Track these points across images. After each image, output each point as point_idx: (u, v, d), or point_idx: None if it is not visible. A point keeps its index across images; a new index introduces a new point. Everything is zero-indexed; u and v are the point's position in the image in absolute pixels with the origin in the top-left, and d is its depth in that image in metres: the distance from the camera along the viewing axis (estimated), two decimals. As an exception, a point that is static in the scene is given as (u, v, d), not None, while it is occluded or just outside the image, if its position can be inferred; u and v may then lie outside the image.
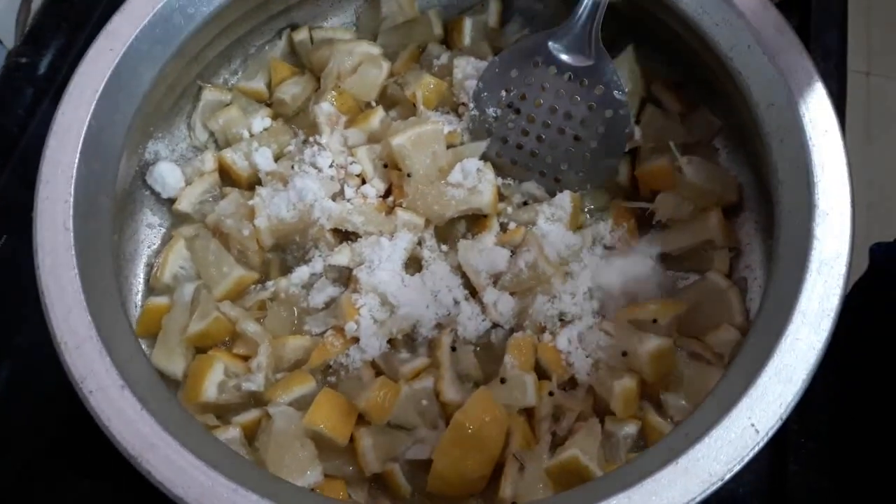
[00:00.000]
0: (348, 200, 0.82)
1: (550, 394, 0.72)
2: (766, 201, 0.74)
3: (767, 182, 0.72)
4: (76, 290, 0.63)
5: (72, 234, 0.65)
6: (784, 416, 0.57)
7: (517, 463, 0.69)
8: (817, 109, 0.68)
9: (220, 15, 0.80)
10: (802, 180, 0.66)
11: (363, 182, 0.84)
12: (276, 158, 0.87)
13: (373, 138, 0.85)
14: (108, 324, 0.64)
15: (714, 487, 0.55)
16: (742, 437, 0.57)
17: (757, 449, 0.56)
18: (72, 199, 0.67)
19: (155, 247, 0.84)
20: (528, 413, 0.73)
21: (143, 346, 0.74)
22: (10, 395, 0.80)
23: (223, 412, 0.74)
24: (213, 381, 0.73)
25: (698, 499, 0.55)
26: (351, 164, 0.84)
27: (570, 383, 0.75)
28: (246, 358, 0.76)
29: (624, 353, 0.72)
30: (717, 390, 0.62)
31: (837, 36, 0.96)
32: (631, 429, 0.71)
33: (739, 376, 0.61)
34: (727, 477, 0.55)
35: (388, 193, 0.84)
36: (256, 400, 0.74)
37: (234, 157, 0.86)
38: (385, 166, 0.84)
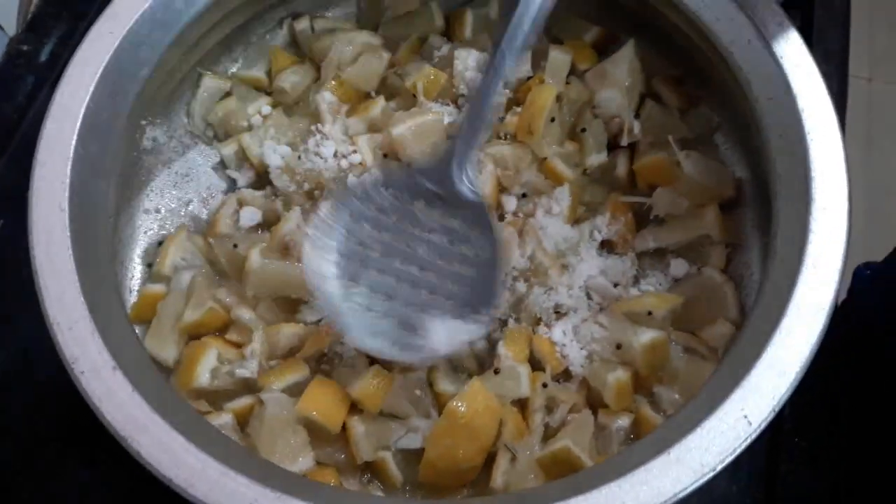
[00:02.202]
0: (348, 189, 0.82)
1: (544, 385, 0.72)
2: (764, 198, 0.74)
3: (766, 177, 0.72)
4: (70, 271, 0.63)
5: (67, 215, 0.65)
6: (777, 409, 0.57)
7: (509, 453, 0.68)
8: (816, 104, 0.68)
9: (222, 1, 0.80)
10: (800, 174, 0.66)
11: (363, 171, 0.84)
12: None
13: (373, 128, 0.85)
14: (102, 306, 0.64)
15: (706, 478, 0.55)
16: (734, 429, 0.56)
17: (749, 440, 0.56)
18: (68, 181, 0.66)
19: (152, 232, 0.83)
20: (522, 404, 0.73)
21: (137, 332, 0.74)
22: (9, 380, 0.80)
23: (216, 398, 0.74)
24: (206, 367, 0.73)
25: (690, 489, 0.54)
26: (352, 152, 0.83)
27: (565, 375, 0.74)
28: (239, 345, 0.76)
29: (618, 346, 0.72)
30: (710, 382, 0.62)
31: (840, 37, 0.96)
32: (624, 421, 0.71)
33: (733, 368, 0.60)
34: (719, 468, 0.55)
35: (387, 183, 0.84)
36: (249, 387, 0.74)
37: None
38: (385, 156, 0.84)
